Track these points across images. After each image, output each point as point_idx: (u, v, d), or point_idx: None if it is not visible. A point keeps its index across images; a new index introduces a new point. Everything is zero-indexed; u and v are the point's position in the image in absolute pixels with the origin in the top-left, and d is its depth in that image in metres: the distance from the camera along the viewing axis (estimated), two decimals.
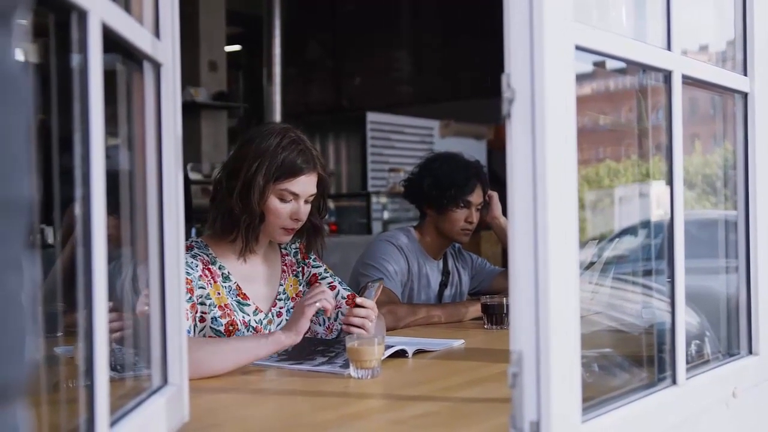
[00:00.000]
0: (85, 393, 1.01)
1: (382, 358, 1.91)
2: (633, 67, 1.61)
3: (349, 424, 1.51)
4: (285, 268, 2.36)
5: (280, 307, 2.31)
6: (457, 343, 2.33)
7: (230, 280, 2.21)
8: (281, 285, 2.33)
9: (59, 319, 1.39)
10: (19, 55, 0.57)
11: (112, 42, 1.11)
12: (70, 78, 1.02)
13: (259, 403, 1.71)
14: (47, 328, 1.33)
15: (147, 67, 1.33)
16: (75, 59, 1.01)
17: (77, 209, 1.02)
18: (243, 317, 2.19)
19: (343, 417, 1.56)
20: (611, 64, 1.59)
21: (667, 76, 1.52)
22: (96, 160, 1.01)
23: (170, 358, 1.38)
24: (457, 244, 3.18)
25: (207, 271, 2.16)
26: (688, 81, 1.58)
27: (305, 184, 2.19)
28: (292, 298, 2.34)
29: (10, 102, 0.53)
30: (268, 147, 2.15)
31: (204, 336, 2.13)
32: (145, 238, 1.37)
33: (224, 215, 2.19)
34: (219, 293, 2.17)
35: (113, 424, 1.09)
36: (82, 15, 0.99)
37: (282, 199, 2.18)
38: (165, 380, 1.37)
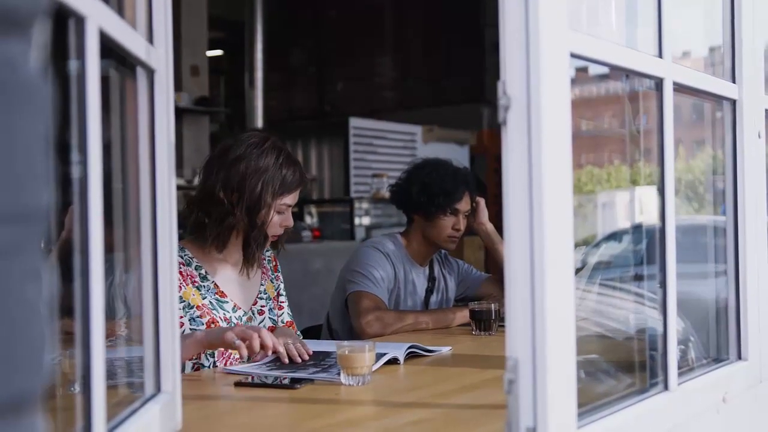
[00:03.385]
0: (82, 401, 1.00)
1: (376, 367, 1.91)
2: (616, 73, 1.62)
3: None
4: (264, 270, 2.44)
5: (262, 306, 2.38)
6: (446, 350, 2.33)
7: (208, 280, 2.26)
8: (262, 285, 2.41)
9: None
10: (38, 63, 0.57)
11: (107, 48, 1.10)
12: (66, 83, 1.02)
13: (252, 410, 1.70)
14: None
15: (140, 73, 1.32)
16: (72, 65, 1.00)
17: (72, 216, 1.02)
18: (223, 314, 2.25)
19: (337, 424, 1.55)
20: (593, 70, 1.59)
21: (659, 83, 1.53)
22: (93, 166, 1.00)
23: (163, 366, 1.37)
24: (443, 250, 3.18)
25: (179, 274, 2.17)
26: (678, 88, 1.59)
27: (297, 195, 2.32)
28: (273, 298, 2.42)
29: (30, 110, 0.53)
30: (267, 165, 2.23)
31: None
32: (137, 244, 1.36)
33: (226, 230, 2.24)
34: (194, 294, 2.22)
35: None
36: (80, 21, 0.98)
37: (279, 212, 2.28)
38: (158, 388, 1.36)
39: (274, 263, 2.49)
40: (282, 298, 2.48)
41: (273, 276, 2.46)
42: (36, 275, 0.55)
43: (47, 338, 0.58)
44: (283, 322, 2.40)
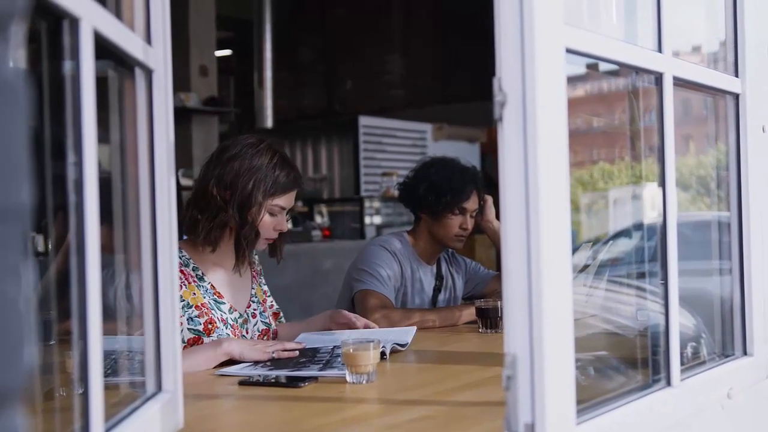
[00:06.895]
0: (80, 400, 1.01)
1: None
2: (625, 69, 1.62)
3: (346, 429, 1.51)
4: (254, 274, 2.48)
5: (254, 309, 2.42)
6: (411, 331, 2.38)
7: (205, 281, 2.29)
8: (253, 288, 2.45)
9: (53, 327, 1.39)
10: (16, 63, 0.57)
11: (103, 48, 1.11)
12: (62, 84, 1.02)
13: (254, 409, 1.70)
14: (41, 336, 1.33)
15: (138, 74, 1.33)
16: (67, 66, 1.01)
17: (71, 217, 1.02)
18: (221, 315, 2.28)
19: (340, 422, 1.55)
20: (603, 66, 1.59)
21: (659, 78, 1.52)
22: (89, 167, 1.01)
23: (164, 365, 1.37)
24: (450, 249, 3.18)
25: (180, 273, 2.19)
26: (680, 83, 1.58)
27: (292, 199, 2.34)
28: (261, 302, 2.46)
29: (9, 109, 0.53)
30: (261, 165, 2.26)
31: (182, 339, 2.17)
32: (138, 246, 1.36)
33: (218, 227, 2.26)
34: (194, 294, 2.25)
35: (108, 431, 1.09)
36: (74, 22, 0.99)
37: (271, 214, 2.30)
38: (159, 387, 1.37)
39: (260, 267, 2.53)
40: (269, 297, 2.53)
41: (260, 280, 2.51)
42: (15, 272, 0.56)
43: (27, 335, 0.58)
44: (265, 326, 2.42)
